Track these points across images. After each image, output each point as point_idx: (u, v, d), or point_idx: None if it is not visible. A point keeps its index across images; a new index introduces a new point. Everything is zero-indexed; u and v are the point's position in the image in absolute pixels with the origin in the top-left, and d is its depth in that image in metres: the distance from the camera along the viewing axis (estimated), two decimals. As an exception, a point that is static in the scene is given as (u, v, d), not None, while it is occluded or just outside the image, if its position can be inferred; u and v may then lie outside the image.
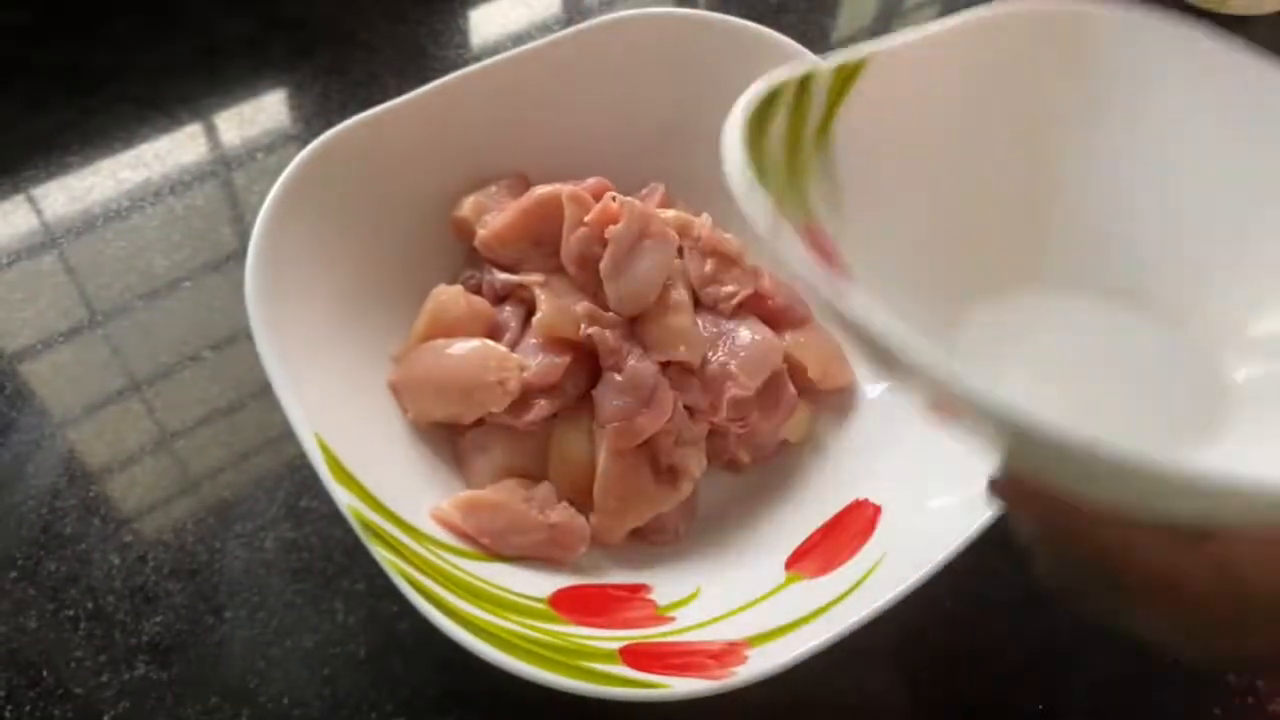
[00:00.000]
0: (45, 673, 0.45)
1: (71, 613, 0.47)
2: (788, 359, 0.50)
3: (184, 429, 0.53)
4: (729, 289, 0.50)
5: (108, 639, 0.46)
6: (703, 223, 0.51)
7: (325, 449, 0.41)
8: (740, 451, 0.50)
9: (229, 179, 0.63)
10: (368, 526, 0.39)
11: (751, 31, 0.54)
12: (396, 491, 0.43)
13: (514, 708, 0.45)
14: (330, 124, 0.66)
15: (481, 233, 0.50)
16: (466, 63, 0.70)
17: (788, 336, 0.51)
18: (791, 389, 0.50)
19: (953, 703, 0.48)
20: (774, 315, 0.52)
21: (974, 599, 0.50)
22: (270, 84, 0.68)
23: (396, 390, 0.48)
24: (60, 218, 0.61)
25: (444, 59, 0.70)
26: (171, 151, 0.64)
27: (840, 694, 0.47)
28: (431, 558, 0.41)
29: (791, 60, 0.53)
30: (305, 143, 0.65)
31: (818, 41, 0.75)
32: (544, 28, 0.74)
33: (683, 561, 0.48)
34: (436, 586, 0.39)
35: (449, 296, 0.48)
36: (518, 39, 0.73)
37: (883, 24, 0.77)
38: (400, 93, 0.68)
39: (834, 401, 0.52)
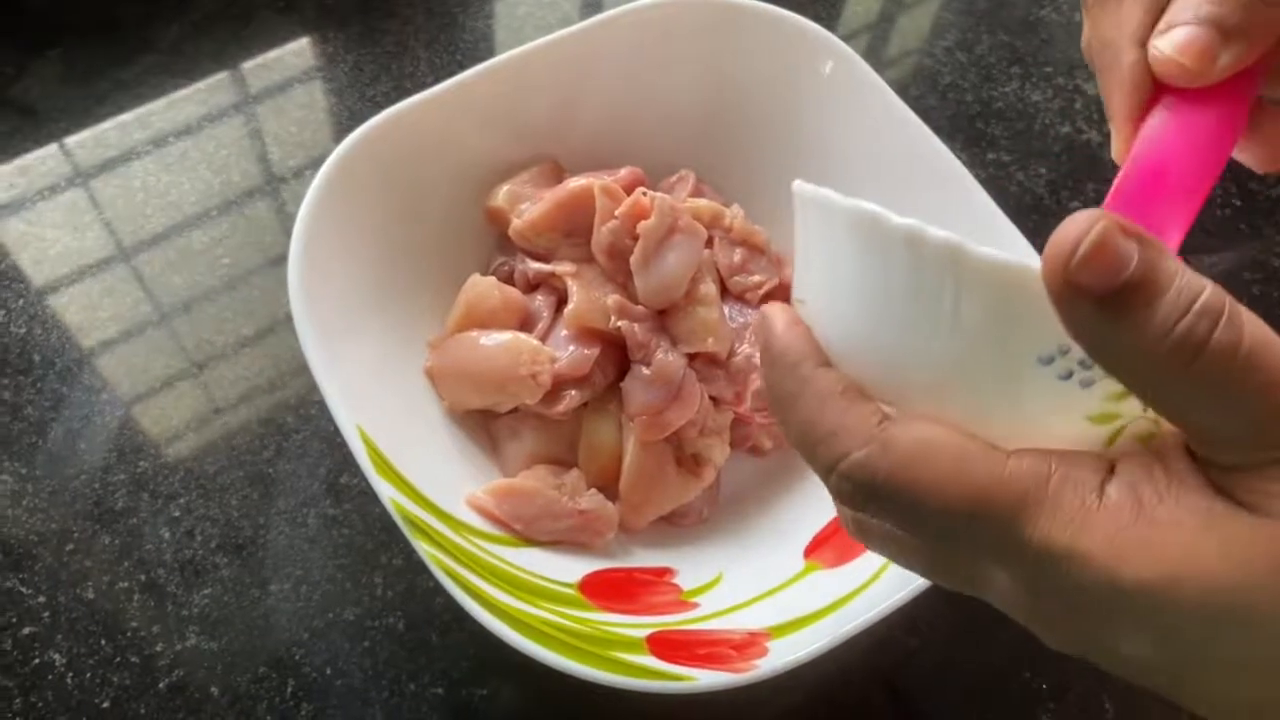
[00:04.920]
0: (103, 641, 0.48)
1: (125, 584, 0.49)
2: (811, 348, 0.52)
3: (227, 406, 0.55)
4: (757, 279, 0.52)
5: (160, 610, 0.49)
6: (734, 213, 0.52)
7: (367, 441, 0.43)
8: (763, 438, 0.51)
9: (264, 154, 0.64)
10: (409, 519, 0.41)
11: (782, 18, 0.54)
12: (433, 478, 0.45)
13: (546, 679, 0.47)
14: (364, 96, 0.67)
15: (516, 222, 0.51)
16: (496, 33, 0.71)
17: (812, 325, 0.53)
18: (814, 379, 0.51)
19: (958, 682, 0.50)
20: (799, 304, 0.53)
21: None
22: (303, 56, 0.69)
23: (433, 378, 0.50)
24: (103, 196, 0.62)
25: (474, 29, 0.71)
26: (206, 127, 0.65)
27: (847, 675, 0.49)
28: (468, 546, 0.43)
29: (820, 47, 0.54)
30: (339, 117, 0.66)
31: (845, 14, 0.75)
32: (573, -4, 0.74)
33: (706, 544, 0.50)
34: (474, 576, 0.41)
35: (484, 288, 0.49)
36: (548, 7, 0.73)
37: (913, -8, 0.77)
38: (431, 63, 0.69)
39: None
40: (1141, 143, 0.28)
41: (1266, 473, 0.21)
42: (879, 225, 0.23)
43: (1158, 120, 0.28)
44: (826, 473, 0.25)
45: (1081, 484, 0.22)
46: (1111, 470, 0.22)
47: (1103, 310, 0.20)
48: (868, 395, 0.25)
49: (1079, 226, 0.20)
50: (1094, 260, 0.20)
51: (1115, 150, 0.29)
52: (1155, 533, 0.21)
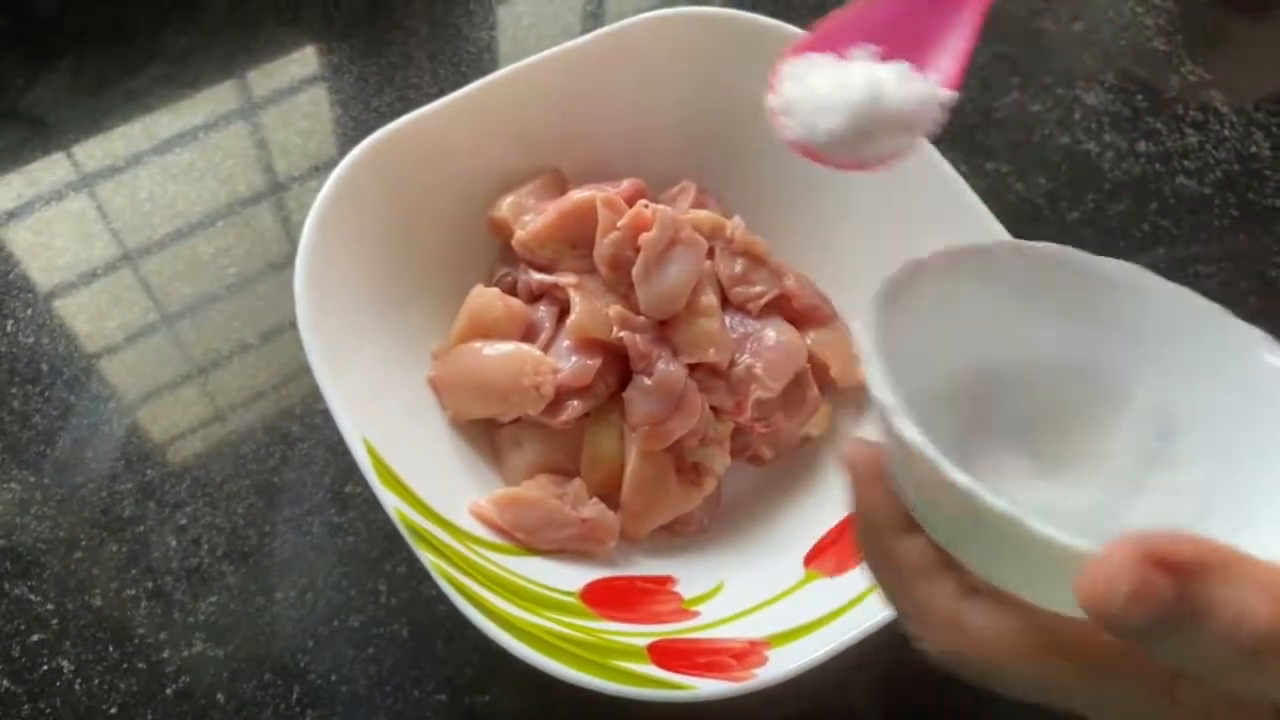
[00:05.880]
0: (111, 648, 0.49)
1: (133, 592, 0.50)
2: (811, 357, 0.52)
3: (233, 414, 0.56)
4: (758, 289, 0.52)
5: (167, 617, 0.49)
6: (735, 224, 0.52)
7: (372, 451, 0.43)
8: (763, 447, 0.52)
9: (269, 164, 0.65)
10: (413, 529, 0.41)
11: (784, 32, 0.55)
12: (436, 487, 0.45)
13: (548, 687, 0.48)
14: (368, 106, 0.67)
15: (519, 234, 0.51)
16: (499, 44, 0.72)
17: (811, 335, 0.53)
18: (815, 389, 0.52)
19: (959, 692, 0.51)
20: (799, 315, 0.53)
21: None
22: (308, 67, 0.69)
23: (436, 388, 0.50)
24: (110, 205, 0.63)
25: (477, 40, 0.71)
26: (213, 137, 0.66)
27: (846, 683, 0.50)
28: (471, 555, 0.44)
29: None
30: (344, 127, 0.67)
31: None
32: (575, 7, 0.74)
33: (706, 553, 0.50)
34: (477, 586, 0.41)
35: (488, 299, 0.50)
36: (550, 19, 0.73)
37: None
38: (435, 74, 0.69)
39: (855, 397, 0.54)
40: None
41: None
42: (939, 473, 0.23)
43: None
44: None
45: (1146, 681, 0.24)
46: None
47: (1148, 639, 0.20)
48: (948, 567, 0.26)
49: (1114, 572, 0.19)
50: (1132, 608, 0.19)
51: None
52: None
